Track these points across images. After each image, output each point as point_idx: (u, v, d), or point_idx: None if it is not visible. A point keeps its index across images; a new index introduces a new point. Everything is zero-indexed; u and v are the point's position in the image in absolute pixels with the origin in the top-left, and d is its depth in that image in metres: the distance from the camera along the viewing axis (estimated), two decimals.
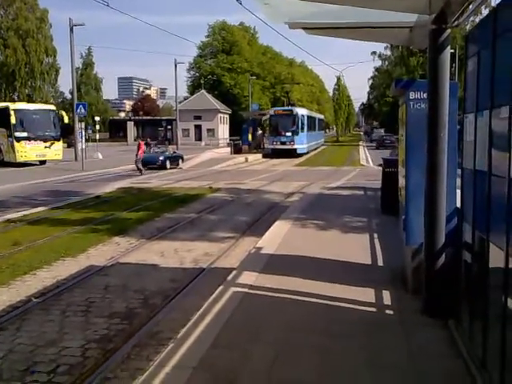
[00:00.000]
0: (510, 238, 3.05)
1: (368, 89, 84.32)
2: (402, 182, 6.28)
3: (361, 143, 62.88)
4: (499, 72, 3.40)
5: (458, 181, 4.85)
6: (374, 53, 68.59)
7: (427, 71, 5.00)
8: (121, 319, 5.98)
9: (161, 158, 27.56)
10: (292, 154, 37.03)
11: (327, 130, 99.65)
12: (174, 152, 30.18)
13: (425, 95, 5.24)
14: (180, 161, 29.36)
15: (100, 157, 33.87)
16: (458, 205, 4.91)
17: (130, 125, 67.88)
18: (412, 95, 5.57)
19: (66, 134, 33.04)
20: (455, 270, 5.06)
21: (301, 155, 38.01)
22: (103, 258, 8.64)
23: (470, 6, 4.65)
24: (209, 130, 63.43)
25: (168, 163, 27.73)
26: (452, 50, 22.10)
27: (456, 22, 4.99)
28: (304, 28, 6.44)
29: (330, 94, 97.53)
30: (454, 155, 5.21)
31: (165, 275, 7.70)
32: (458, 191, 4.86)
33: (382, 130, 66.97)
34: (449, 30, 4.80)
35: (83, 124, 30.35)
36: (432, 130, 4.78)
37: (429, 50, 4.90)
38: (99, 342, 5.33)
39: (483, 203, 3.65)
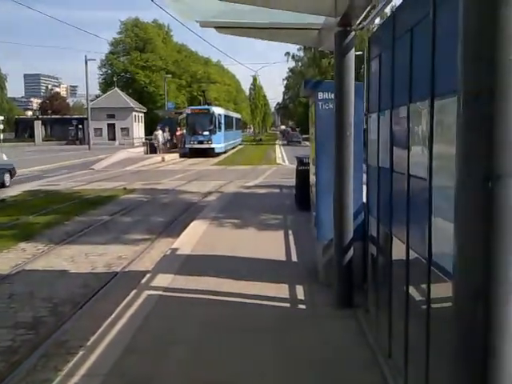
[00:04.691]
0: (410, 232, 3.22)
1: (283, 89, 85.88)
2: (312, 179, 6.45)
3: (277, 142, 64.05)
4: (398, 73, 3.57)
5: (365, 177, 5.06)
6: (287, 54, 69.93)
7: (334, 72, 5.17)
8: (27, 329, 5.67)
9: None
10: (210, 153, 36.84)
11: (245, 130, 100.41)
12: None
13: (332, 95, 5.41)
14: (6, 176, 18.90)
15: (4, 158, 31.75)
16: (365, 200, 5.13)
17: (38, 124, 64.39)
18: (320, 95, 5.74)
19: None
20: (363, 263, 5.28)
21: (219, 154, 37.94)
22: (7, 266, 8.12)
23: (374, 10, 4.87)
24: (123, 129, 61.55)
25: None
26: (360, 52, 23.05)
27: (361, 25, 5.20)
28: (215, 27, 6.41)
29: (247, 93, 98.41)
30: (360, 153, 5.42)
31: (75, 281, 7.38)
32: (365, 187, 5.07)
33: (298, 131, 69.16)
34: (353, 33, 4.99)
35: None
36: (339, 129, 4.95)
37: (335, 51, 5.07)
38: (3, 354, 5.03)
39: (386, 199, 3.83)
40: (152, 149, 38.05)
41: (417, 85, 3.10)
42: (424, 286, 2.87)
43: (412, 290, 3.25)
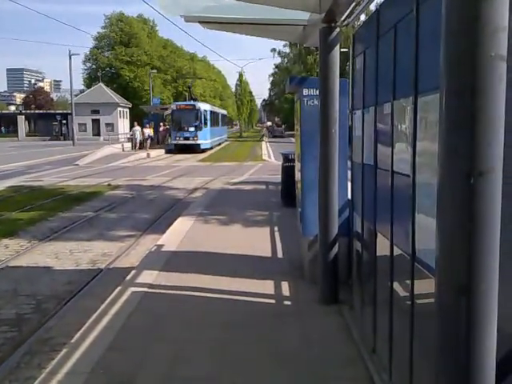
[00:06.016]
0: (394, 228, 3.24)
1: (269, 85, 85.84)
2: (298, 175, 6.47)
3: (264, 138, 64.04)
4: (382, 70, 3.59)
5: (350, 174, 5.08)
6: (273, 50, 69.80)
7: (319, 69, 5.17)
8: (10, 326, 5.62)
9: None
10: (196, 149, 36.64)
11: (232, 126, 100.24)
12: None
13: (317, 92, 5.41)
14: None
15: None
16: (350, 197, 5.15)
17: (21, 119, 63.55)
18: (305, 92, 5.74)
19: None
20: (348, 258, 5.32)
21: (204, 150, 37.76)
22: None
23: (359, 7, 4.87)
24: (108, 125, 60.97)
25: None
26: (346, 49, 23.10)
27: (346, 22, 5.21)
28: (200, 22, 6.36)
29: (233, 89, 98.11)
30: (344, 150, 5.44)
31: (59, 278, 7.31)
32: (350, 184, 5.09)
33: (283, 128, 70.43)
34: (338, 29, 4.99)
35: None
36: (324, 125, 4.96)
37: (319, 48, 5.06)
38: None
39: (370, 195, 3.85)
40: (138, 145, 37.76)
41: (400, 82, 3.11)
42: (408, 281, 2.89)
43: (396, 286, 3.27)
